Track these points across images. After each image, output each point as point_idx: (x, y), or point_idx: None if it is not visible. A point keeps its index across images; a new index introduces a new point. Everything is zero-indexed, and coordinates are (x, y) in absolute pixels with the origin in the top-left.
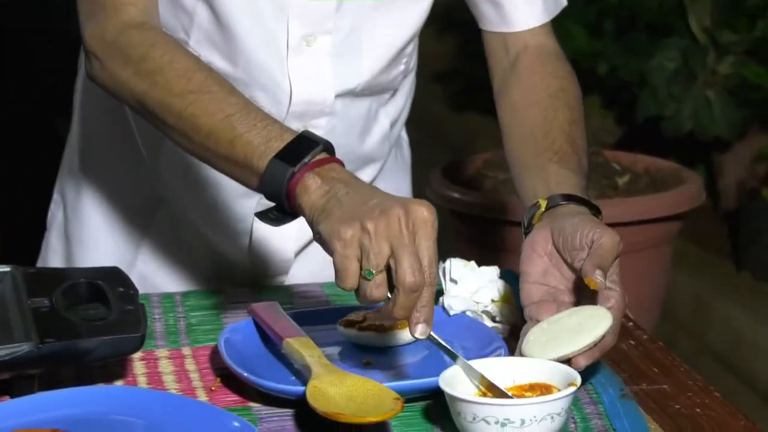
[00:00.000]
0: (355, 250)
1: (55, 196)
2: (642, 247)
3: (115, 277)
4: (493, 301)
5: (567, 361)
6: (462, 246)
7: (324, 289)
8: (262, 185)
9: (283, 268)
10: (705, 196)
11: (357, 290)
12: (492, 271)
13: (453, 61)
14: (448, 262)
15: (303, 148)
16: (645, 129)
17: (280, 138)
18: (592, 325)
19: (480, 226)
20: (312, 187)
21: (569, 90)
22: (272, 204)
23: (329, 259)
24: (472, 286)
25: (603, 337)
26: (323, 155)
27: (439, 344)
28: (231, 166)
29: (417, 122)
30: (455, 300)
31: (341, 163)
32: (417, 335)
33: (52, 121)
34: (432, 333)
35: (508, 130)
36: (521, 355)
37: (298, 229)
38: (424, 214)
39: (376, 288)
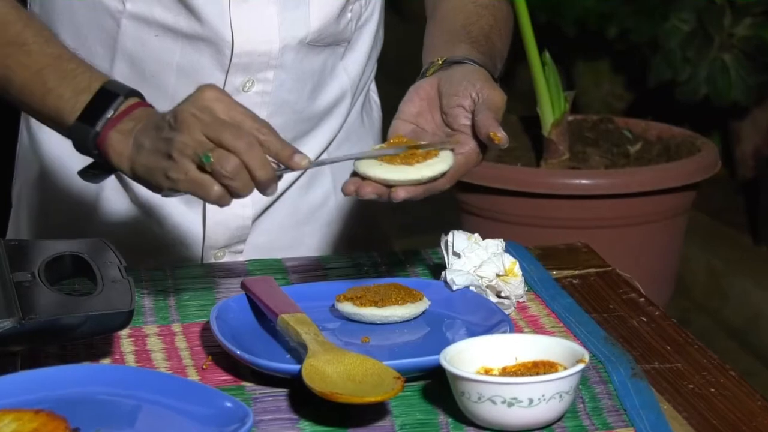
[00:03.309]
0: (190, 160)
1: (16, 170)
2: (655, 218)
3: (101, 249)
4: (497, 275)
5: (389, 187)
6: (465, 218)
7: (321, 263)
8: (74, 146)
9: (240, 235)
10: (721, 165)
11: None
12: (497, 244)
13: None
14: (450, 234)
15: (104, 102)
16: (658, 95)
17: (88, 89)
18: (429, 163)
19: (484, 197)
20: (117, 145)
21: (500, 8)
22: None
23: (287, 226)
24: (476, 260)
25: (433, 178)
26: (129, 102)
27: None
28: (47, 121)
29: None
30: (458, 275)
31: (146, 105)
32: (301, 166)
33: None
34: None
35: (427, 36)
36: (354, 168)
37: (253, 195)
38: (211, 94)
39: (238, 181)
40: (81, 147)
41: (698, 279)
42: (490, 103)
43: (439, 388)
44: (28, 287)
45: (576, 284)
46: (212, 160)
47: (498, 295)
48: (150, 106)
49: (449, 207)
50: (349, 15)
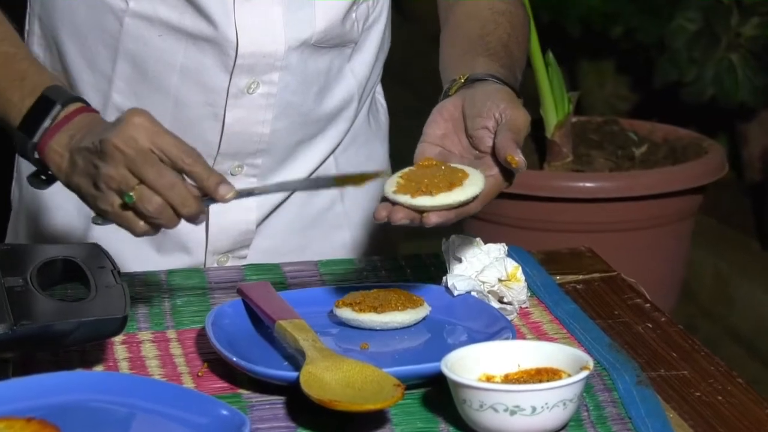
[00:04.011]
0: (115, 194)
1: (15, 173)
2: (660, 222)
3: (94, 254)
4: (500, 280)
5: (420, 211)
6: (467, 221)
7: (319, 268)
8: (17, 152)
9: (243, 240)
10: (728, 167)
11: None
12: (499, 249)
13: None
14: (452, 238)
15: (43, 110)
16: (663, 96)
17: (33, 94)
18: (461, 186)
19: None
20: (54, 157)
21: (516, 14)
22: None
23: (293, 230)
24: (477, 265)
25: (465, 202)
26: (69, 109)
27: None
28: (1, 122)
29: (417, 87)
30: (460, 280)
31: (88, 111)
32: (226, 199)
33: None
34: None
35: (443, 44)
36: (384, 193)
37: (258, 199)
38: (138, 120)
39: (161, 213)
40: (23, 154)
41: (705, 284)
42: (511, 125)
43: (439, 395)
44: (20, 292)
45: (580, 289)
46: (134, 199)
47: (500, 301)
48: (94, 111)
49: None
50: (354, 15)
